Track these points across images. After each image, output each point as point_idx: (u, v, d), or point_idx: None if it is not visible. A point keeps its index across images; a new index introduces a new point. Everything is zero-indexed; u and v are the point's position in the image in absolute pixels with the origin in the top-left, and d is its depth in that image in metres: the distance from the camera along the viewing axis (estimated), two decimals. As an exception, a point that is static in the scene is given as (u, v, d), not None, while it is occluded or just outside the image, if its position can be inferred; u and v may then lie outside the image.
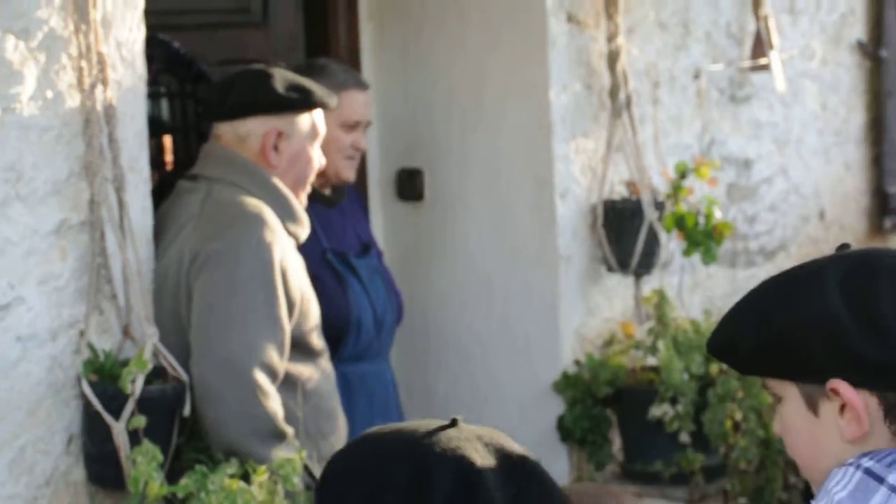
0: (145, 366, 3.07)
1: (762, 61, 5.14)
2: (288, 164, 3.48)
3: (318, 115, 3.55)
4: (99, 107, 3.12)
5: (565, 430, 4.40)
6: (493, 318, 4.48)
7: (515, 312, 4.45)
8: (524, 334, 4.47)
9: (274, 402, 3.24)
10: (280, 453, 3.18)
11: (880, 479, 1.87)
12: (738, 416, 4.25)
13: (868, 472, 1.87)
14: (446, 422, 1.71)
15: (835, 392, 1.89)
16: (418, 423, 1.74)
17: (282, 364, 3.31)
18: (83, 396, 3.10)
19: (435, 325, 4.47)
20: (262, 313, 3.28)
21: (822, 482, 1.99)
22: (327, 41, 4.54)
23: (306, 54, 4.41)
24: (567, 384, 4.38)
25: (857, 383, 1.90)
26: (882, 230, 6.01)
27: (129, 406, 3.05)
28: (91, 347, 3.14)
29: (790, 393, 2.00)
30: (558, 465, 4.36)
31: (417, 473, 1.63)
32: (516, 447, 1.74)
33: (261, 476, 3.05)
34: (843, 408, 1.92)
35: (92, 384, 3.08)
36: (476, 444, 1.69)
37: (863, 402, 1.89)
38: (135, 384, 3.05)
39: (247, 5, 4.51)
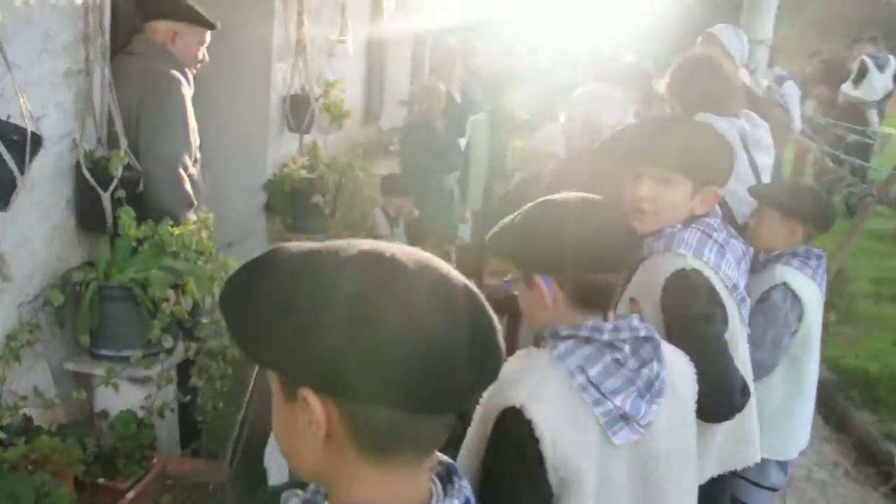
0: (123, 160, 2.55)
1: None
2: (180, 52, 2.90)
3: (207, 32, 2.96)
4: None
5: (268, 206, 4.14)
6: (234, 153, 4.02)
7: (249, 148, 4.08)
8: (252, 160, 4.11)
9: (188, 186, 2.79)
10: (191, 215, 2.75)
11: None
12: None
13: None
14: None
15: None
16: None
17: (190, 165, 2.84)
18: (78, 176, 2.51)
19: (211, 154, 3.87)
20: (181, 135, 2.79)
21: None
22: None
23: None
24: (269, 185, 4.13)
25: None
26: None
27: (114, 182, 2.51)
28: (84, 149, 2.53)
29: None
30: (260, 223, 4.11)
31: None
32: None
33: (191, 225, 2.65)
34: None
35: (89, 169, 2.50)
36: None
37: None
38: (118, 170, 2.51)
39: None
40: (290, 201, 4.16)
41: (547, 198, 1.40)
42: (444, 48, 6.62)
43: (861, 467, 3.88)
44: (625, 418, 1.29)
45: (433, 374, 0.78)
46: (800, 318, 2.32)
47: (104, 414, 2.51)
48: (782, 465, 2.49)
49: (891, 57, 7.46)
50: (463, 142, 5.55)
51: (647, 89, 4.00)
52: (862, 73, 7.35)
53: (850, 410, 4.16)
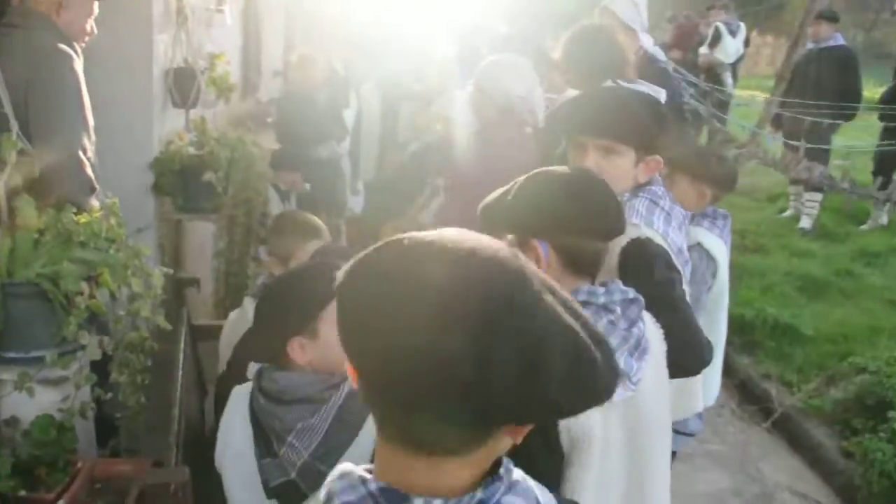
0: (15, 145, 2.32)
1: None
2: (66, 25, 2.67)
3: (94, 3, 2.75)
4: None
5: (157, 187, 3.89)
6: (118, 131, 3.68)
7: (133, 126, 3.78)
8: (137, 139, 3.82)
9: (90, 170, 2.61)
10: (94, 201, 2.58)
11: None
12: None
13: None
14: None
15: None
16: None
17: (89, 147, 2.64)
18: (-36, 164, 2.27)
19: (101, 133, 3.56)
20: (78, 115, 2.60)
21: None
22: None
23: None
24: (157, 164, 3.87)
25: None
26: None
27: (7, 170, 2.29)
28: (-32, 132, 2.29)
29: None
30: (149, 206, 3.89)
31: None
32: None
33: (97, 212, 2.46)
34: None
35: (-24, 157, 2.26)
36: None
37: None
38: (11, 156, 2.30)
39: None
40: (180, 180, 3.94)
41: (542, 169, 1.44)
42: (318, 18, 6.46)
43: (745, 406, 4.24)
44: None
45: (418, 371, 0.73)
46: (714, 275, 2.50)
47: (13, 421, 2.32)
48: (699, 413, 2.68)
49: (741, 23, 8.04)
50: (349, 113, 5.48)
51: (535, 59, 4.09)
52: (716, 38, 7.88)
53: (731, 355, 4.52)
